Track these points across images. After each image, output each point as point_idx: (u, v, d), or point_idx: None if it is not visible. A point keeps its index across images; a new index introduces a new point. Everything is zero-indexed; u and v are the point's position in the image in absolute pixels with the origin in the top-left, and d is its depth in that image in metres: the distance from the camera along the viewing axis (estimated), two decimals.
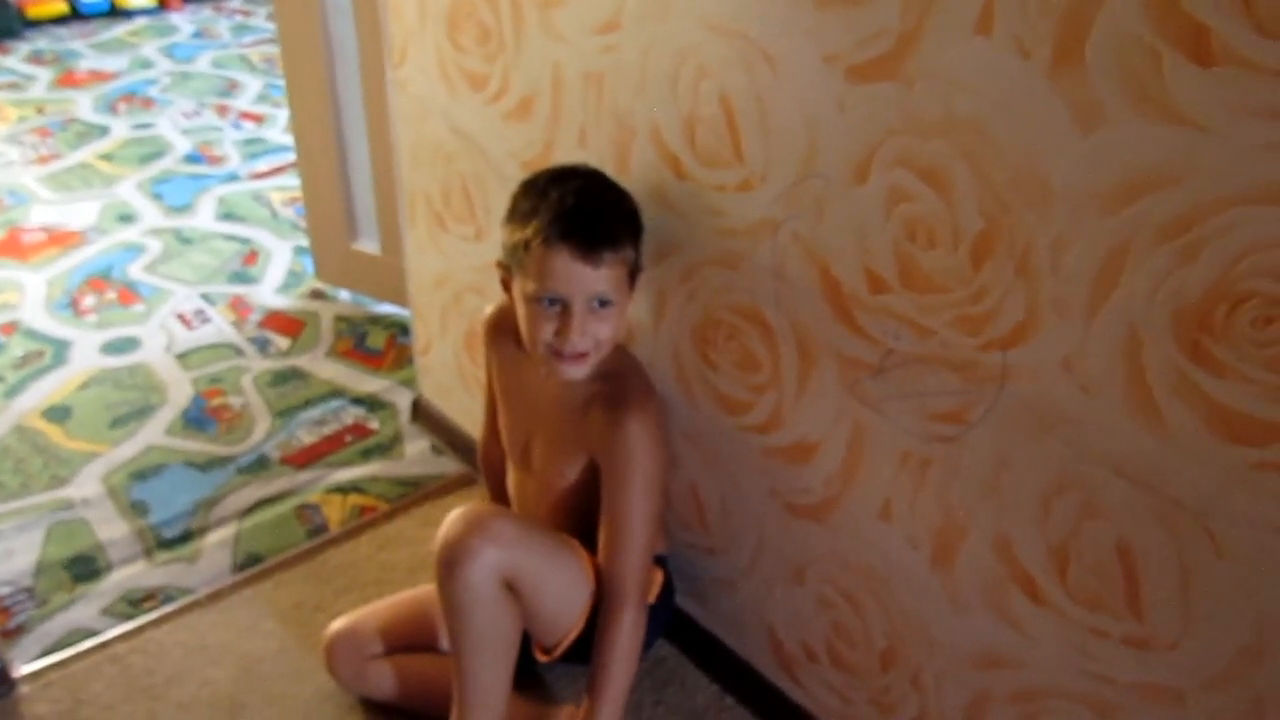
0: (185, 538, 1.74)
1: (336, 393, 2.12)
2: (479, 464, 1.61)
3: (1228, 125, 0.76)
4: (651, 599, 1.35)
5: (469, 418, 1.85)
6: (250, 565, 1.69)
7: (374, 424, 2.04)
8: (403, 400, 2.09)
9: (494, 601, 1.20)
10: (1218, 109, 0.76)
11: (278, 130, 3.33)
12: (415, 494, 1.85)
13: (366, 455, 1.95)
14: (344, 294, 2.46)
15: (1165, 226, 0.82)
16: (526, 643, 1.33)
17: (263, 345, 2.27)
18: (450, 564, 1.18)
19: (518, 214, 1.20)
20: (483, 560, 1.17)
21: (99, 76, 3.68)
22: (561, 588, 1.27)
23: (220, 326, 2.33)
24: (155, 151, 3.15)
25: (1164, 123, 0.79)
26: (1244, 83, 0.74)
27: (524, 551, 1.21)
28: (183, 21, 4.29)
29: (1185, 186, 0.80)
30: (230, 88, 3.66)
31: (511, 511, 1.46)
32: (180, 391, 2.10)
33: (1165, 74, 0.78)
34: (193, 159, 3.12)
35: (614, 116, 1.29)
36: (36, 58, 3.82)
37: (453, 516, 1.20)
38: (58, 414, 2.02)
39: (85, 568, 1.68)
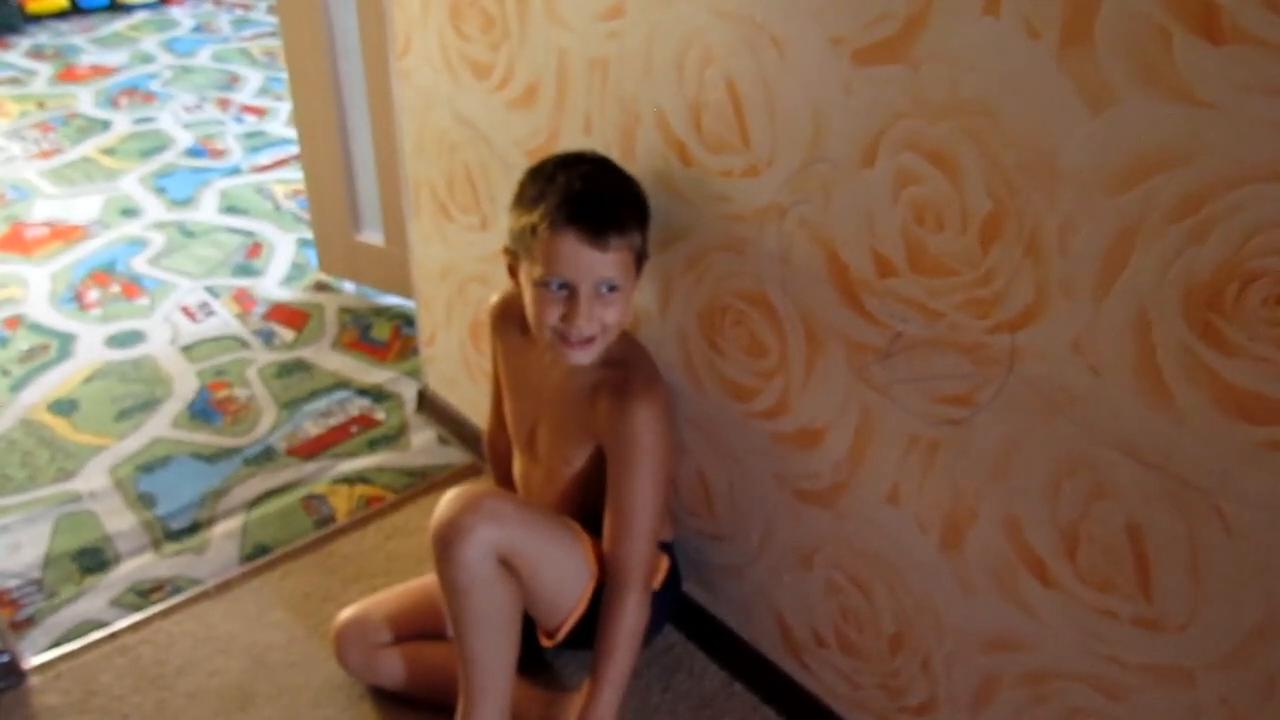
0: (193, 529, 1.75)
1: (342, 384, 2.12)
2: (485, 453, 1.61)
3: (1238, 103, 0.76)
4: (656, 585, 1.36)
5: (474, 408, 1.85)
6: (258, 556, 1.69)
7: (380, 415, 2.04)
8: (408, 391, 2.09)
9: (492, 580, 1.20)
10: (1228, 87, 0.76)
11: (279, 124, 3.32)
12: (422, 484, 1.85)
13: (373, 446, 1.95)
14: (348, 286, 2.47)
15: (1175, 206, 0.82)
16: (534, 633, 1.33)
17: (268, 337, 2.27)
18: (446, 543, 1.17)
19: (525, 199, 1.20)
20: (478, 537, 1.16)
21: (100, 71, 3.67)
22: (561, 567, 1.27)
23: (225, 319, 2.33)
24: (157, 145, 3.14)
25: (1173, 102, 0.79)
26: (1255, 60, 0.74)
27: (520, 529, 1.21)
28: (183, 16, 4.29)
29: (1195, 165, 0.80)
30: (231, 81, 3.66)
31: (507, 492, 1.45)
32: (186, 384, 2.11)
33: (1175, 52, 0.78)
34: (195, 153, 3.12)
35: (619, 103, 1.28)
36: (37, 53, 3.82)
37: (447, 497, 1.19)
38: (64, 407, 2.02)
39: (93, 559, 1.68)
